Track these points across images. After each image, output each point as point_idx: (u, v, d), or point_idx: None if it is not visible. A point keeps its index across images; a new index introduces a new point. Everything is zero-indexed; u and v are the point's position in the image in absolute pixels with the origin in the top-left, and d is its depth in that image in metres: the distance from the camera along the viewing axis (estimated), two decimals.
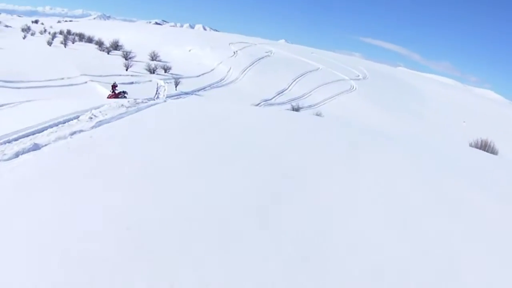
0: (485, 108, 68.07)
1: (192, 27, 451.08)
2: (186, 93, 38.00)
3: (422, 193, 6.15)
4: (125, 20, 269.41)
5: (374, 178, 6.45)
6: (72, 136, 6.32)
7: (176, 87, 38.21)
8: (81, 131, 6.63)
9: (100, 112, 8.25)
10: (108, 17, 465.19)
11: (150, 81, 40.22)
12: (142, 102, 10.13)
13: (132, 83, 37.71)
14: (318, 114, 37.19)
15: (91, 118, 7.64)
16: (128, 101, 9.90)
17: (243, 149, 6.87)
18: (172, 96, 35.40)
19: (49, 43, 56.55)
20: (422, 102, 60.86)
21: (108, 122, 7.44)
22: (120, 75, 39.79)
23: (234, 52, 67.33)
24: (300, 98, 48.69)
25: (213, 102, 17.11)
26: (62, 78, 33.44)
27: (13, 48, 47.43)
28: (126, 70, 43.20)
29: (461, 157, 11.30)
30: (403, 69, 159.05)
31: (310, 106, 45.62)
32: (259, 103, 41.00)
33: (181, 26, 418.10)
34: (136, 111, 8.68)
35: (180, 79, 40.89)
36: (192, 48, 67.17)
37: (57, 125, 7.11)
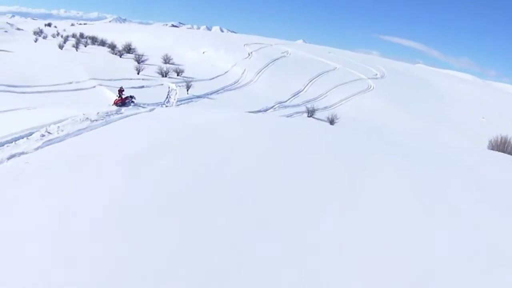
0: (504, 103, 65.78)
1: (209, 29, 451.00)
2: (198, 97, 36.87)
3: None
4: (141, 23, 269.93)
5: (380, 229, 5.00)
6: (9, 161, 5.17)
7: (187, 90, 37.11)
8: (22, 153, 5.49)
9: (58, 127, 7.11)
10: (124, 20, 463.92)
11: (162, 84, 39.18)
12: (117, 113, 8.92)
13: (142, 87, 36.77)
14: (333, 116, 35.80)
15: (43, 135, 6.50)
16: (98, 113, 8.69)
17: (205, 183, 5.41)
18: (183, 100, 34.37)
19: (61, 47, 56.06)
20: (441, 99, 58.92)
21: (61, 141, 6.29)
22: (131, 79, 38.89)
23: (249, 54, 66.13)
24: (316, 100, 47.30)
25: (205, 110, 15.66)
26: (71, 82, 32.61)
27: (23, 51, 46.93)
28: (138, 73, 42.27)
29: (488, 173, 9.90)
30: (422, 66, 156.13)
31: (325, 108, 44.14)
32: (273, 106, 39.75)
33: (198, 28, 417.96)
34: (103, 125, 7.49)
35: (192, 82, 39.81)
36: (206, 50, 66.19)
37: (3, 145, 5.98)
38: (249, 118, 11.81)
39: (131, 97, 26.72)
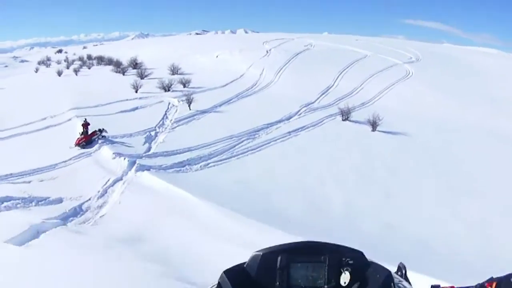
0: None
1: (233, 32, 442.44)
2: (203, 112, 30.17)
3: None
4: (164, 36, 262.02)
5: None
6: None
7: (189, 106, 30.35)
8: None
9: None
10: (147, 35, 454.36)
11: (161, 101, 32.68)
12: None
13: (136, 108, 30.50)
14: (375, 117, 28.24)
15: None
16: None
17: None
18: (184, 119, 27.79)
19: (59, 73, 50.58)
20: (485, 80, 49.27)
21: None
22: (126, 99, 32.70)
23: (267, 51, 58.94)
24: (350, 95, 39.73)
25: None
26: (44, 118, 26.69)
27: (14, 87, 41.65)
28: (136, 92, 35.92)
29: None
30: (448, 45, 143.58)
31: (363, 104, 36.59)
32: (298, 111, 32.49)
33: (223, 32, 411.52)
34: None
35: (197, 94, 33.23)
36: (220, 53, 59.37)
37: None
38: None
39: (100, 131, 20.25)
